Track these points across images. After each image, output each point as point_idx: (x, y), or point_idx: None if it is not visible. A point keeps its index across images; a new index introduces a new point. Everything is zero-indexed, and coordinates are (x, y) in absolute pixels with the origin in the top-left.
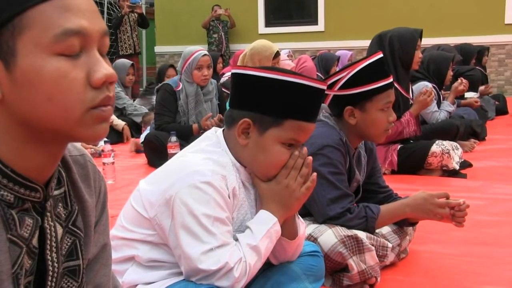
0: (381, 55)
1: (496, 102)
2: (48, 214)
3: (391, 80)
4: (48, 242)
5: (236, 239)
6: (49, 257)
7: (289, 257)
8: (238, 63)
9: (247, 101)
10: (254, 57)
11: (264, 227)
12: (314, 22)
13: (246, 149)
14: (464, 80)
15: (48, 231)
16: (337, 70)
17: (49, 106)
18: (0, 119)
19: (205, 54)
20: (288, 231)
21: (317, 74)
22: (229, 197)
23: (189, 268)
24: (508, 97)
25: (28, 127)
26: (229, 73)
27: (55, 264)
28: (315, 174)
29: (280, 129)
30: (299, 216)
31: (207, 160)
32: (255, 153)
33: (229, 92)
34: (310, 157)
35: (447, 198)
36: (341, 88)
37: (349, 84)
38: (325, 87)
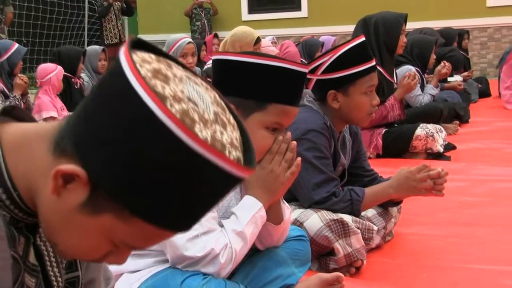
0: (363, 38)
1: (479, 85)
2: (41, 231)
3: (373, 63)
4: (47, 258)
5: (222, 226)
6: (51, 273)
7: (275, 242)
8: (220, 49)
9: (230, 86)
10: (235, 43)
11: (249, 212)
12: (298, 8)
13: None
14: (447, 63)
15: (43, 247)
16: (320, 54)
17: (72, 240)
18: (41, 161)
19: (189, 42)
20: (274, 216)
21: (301, 60)
22: None
23: (175, 255)
24: (491, 79)
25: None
26: (211, 61)
27: (59, 279)
28: (299, 158)
29: (264, 113)
30: (284, 201)
31: None
32: None
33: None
34: (294, 142)
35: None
36: (324, 72)
37: (332, 68)
38: (306, 70)
